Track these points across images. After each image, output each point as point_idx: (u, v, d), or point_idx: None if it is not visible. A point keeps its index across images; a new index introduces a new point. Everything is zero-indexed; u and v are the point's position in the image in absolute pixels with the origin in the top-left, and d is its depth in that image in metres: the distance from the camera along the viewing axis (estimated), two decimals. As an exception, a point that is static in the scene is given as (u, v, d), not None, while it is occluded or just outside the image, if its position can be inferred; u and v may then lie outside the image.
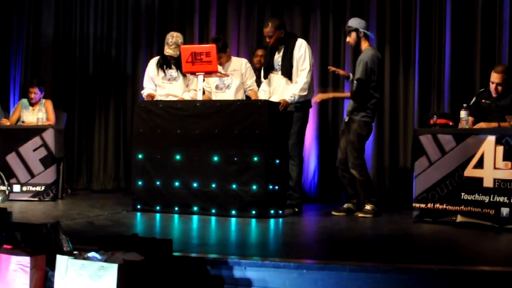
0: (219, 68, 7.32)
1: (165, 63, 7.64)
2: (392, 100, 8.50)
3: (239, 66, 7.53)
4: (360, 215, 7.03)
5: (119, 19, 10.12)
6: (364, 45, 7.19)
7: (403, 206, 7.50)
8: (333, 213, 7.19)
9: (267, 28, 7.20)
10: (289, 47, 7.17)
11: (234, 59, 7.65)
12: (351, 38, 7.20)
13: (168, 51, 7.49)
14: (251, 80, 7.56)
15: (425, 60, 8.36)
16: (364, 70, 7.01)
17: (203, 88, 7.30)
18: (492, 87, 6.73)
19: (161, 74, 7.64)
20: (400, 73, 8.51)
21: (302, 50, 7.14)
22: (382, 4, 8.61)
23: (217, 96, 7.53)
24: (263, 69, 7.45)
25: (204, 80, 7.31)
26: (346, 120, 7.20)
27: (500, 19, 7.98)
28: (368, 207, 7.10)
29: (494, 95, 6.73)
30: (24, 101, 8.88)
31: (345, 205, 7.28)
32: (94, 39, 10.20)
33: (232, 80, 7.47)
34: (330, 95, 7.52)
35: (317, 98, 7.40)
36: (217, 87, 7.54)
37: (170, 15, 9.78)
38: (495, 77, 6.69)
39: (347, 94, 7.14)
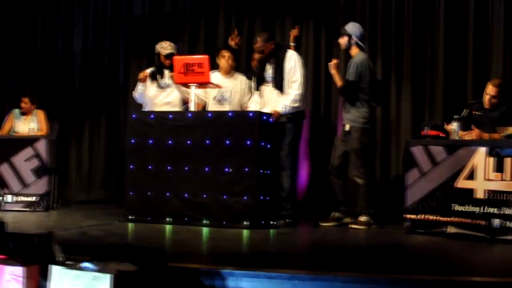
0: (222, 80, 7.44)
1: (158, 73, 7.67)
2: (384, 111, 8.51)
3: (239, 81, 7.62)
4: (353, 226, 7.00)
5: (112, 31, 10.16)
6: (355, 51, 7.21)
7: (394, 217, 7.50)
8: (321, 224, 7.17)
9: (257, 44, 7.20)
10: (280, 58, 7.17)
11: (237, 74, 7.71)
12: (342, 41, 7.24)
13: (167, 50, 7.57)
14: (247, 98, 7.61)
15: (418, 72, 8.38)
16: (355, 71, 7.05)
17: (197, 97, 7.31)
18: (486, 98, 6.75)
19: (155, 84, 7.68)
20: (392, 84, 8.53)
21: (292, 61, 7.15)
22: (374, 15, 8.65)
23: (216, 109, 7.53)
24: (254, 81, 7.45)
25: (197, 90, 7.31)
26: (348, 128, 7.14)
27: (492, 32, 8.02)
28: (362, 218, 7.04)
29: (487, 106, 6.75)
30: (17, 111, 8.87)
31: (333, 214, 7.25)
32: (86, 50, 10.22)
33: (232, 94, 7.53)
34: (336, 76, 7.25)
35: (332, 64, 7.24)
36: (215, 98, 7.56)
37: (161, 26, 9.81)
38: (491, 89, 6.72)
39: (340, 84, 7.11)
